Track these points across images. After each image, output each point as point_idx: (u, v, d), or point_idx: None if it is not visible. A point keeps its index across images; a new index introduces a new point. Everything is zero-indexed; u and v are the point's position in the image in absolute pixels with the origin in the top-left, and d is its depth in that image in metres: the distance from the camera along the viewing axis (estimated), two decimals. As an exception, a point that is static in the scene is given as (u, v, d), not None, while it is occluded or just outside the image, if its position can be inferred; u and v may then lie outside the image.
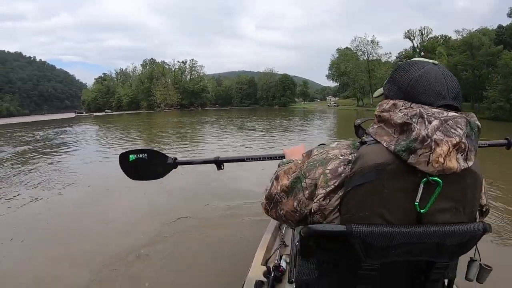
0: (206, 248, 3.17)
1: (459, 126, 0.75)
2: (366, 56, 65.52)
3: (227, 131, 19.26)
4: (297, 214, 0.98)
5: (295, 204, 0.96)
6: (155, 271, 2.85)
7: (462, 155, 0.76)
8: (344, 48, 71.65)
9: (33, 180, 6.89)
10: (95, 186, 6.31)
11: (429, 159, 0.74)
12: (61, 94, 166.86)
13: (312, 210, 0.91)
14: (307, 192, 0.91)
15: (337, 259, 0.96)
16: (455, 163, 0.75)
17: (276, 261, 1.60)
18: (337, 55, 73.32)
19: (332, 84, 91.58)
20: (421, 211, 0.82)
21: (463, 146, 0.75)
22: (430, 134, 0.73)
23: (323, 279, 1.00)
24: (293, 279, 1.37)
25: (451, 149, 0.74)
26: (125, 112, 71.67)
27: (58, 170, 8.02)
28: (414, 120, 0.76)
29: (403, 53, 61.43)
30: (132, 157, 1.66)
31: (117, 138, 17.52)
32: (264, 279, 1.49)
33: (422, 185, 0.78)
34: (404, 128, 0.78)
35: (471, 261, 1.01)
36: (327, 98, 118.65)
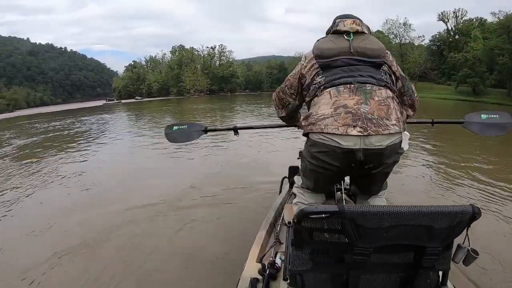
0: (200, 245, 3.11)
1: None
2: (399, 39, 59.96)
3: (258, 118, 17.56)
4: (294, 78, 1.56)
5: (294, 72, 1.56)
6: (145, 268, 2.78)
7: None
8: (375, 31, 66.44)
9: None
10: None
11: None
12: (92, 82, 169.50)
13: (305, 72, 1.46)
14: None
15: (329, 247, 1.02)
16: None
17: (271, 259, 1.56)
18: (369, 39, 67.27)
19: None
20: None
21: None
22: None
23: (317, 268, 1.04)
24: (287, 276, 1.29)
25: None
26: (156, 98, 70.83)
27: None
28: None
29: (437, 36, 56.27)
30: (175, 128, 2.31)
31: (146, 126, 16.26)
32: (259, 277, 1.46)
33: None
34: None
35: (459, 246, 1.03)
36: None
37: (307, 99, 1.49)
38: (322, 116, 1.28)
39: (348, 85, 1.30)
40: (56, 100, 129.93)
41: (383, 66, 1.39)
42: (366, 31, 1.48)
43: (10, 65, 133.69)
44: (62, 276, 2.75)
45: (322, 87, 1.36)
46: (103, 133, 14.16)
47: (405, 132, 1.39)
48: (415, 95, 1.60)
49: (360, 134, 1.20)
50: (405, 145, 1.45)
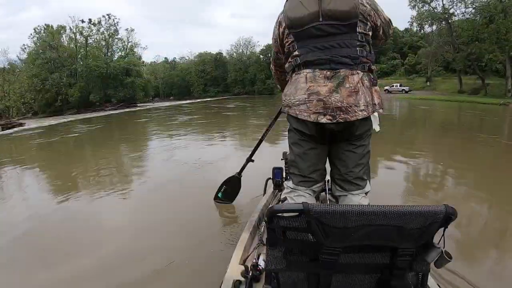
0: (182, 247, 2.85)
1: None
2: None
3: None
4: (277, 44, 1.61)
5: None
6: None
7: None
8: None
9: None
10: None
11: None
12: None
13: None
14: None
15: (302, 246, 1.02)
16: None
17: (254, 260, 1.55)
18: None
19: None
20: None
21: None
22: None
23: (290, 267, 1.05)
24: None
25: None
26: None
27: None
28: None
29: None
30: (220, 195, 2.78)
31: None
32: (242, 279, 1.46)
33: None
34: None
35: (433, 246, 1.01)
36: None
37: (287, 69, 1.57)
38: (297, 102, 1.44)
39: (324, 71, 1.38)
40: None
41: (357, 27, 1.39)
42: None
43: None
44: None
45: (299, 65, 1.45)
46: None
47: (375, 114, 1.51)
48: (391, 31, 1.62)
49: (329, 122, 1.38)
50: (376, 127, 1.60)
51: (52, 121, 24.06)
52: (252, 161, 3.23)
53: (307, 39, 1.41)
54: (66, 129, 17.21)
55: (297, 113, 1.44)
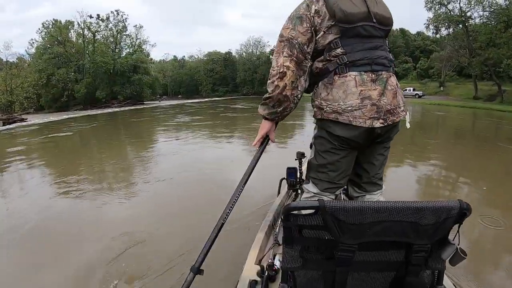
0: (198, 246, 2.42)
1: None
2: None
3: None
4: (310, 33, 1.35)
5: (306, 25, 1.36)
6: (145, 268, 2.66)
7: None
8: None
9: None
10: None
11: None
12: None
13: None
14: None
15: (318, 243, 1.03)
16: None
17: (269, 260, 1.58)
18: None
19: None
20: None
21: None
22: None
23: (306, 265, 1.06)
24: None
25: None
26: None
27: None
28: None
29: None
30: None
31: None
32: (258, 279, 1.48)
33: None
34: None
35: (449, 243, 1.00)
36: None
37: (317, 64, 1.43)
38: (350, 108, 1.32)
39: (370, 74, 1.34)
40: None
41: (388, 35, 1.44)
42: None
43: None
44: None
45: (345, 65, 1.34)
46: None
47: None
48: None
49: (381, 125, 1.34)
50: (407, 124, 1.57)
51: (52, 117, 23.72)
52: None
53: (353, 37, 1.34)
54: (59, 127, 16.64)
55: (351, 119, 1.33)
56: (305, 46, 1.36)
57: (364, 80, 1.33)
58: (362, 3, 1.36)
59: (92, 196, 4.65)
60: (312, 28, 1.35)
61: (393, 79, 1.39)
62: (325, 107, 1.38)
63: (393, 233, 0.93)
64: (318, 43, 1.37)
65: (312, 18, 1.34)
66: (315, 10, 1.34)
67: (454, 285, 1.27)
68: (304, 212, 0.96)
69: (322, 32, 1.35)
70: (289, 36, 1.35)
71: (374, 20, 1.35)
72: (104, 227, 3.53)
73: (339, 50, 1.34)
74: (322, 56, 1.39)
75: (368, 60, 1.33)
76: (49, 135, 13.21)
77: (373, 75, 1.34)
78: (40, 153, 9.07)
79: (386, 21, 1.40)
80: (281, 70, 1.35)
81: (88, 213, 4.03)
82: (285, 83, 1.36)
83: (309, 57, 1.40)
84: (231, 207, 1.51)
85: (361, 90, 1.32)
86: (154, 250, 2.95)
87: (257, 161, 1.60)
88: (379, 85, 1.33)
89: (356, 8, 1.33)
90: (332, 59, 1.36)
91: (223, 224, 1.51)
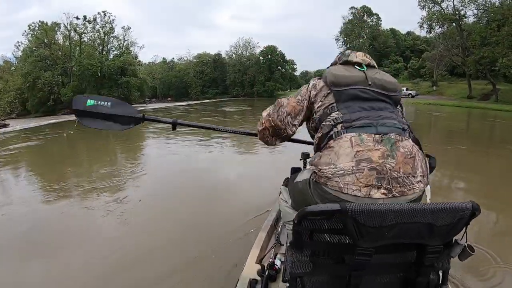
0: (200, 245, 2.97)
1: None
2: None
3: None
4: (300, 106, 1.33)
5: (298, 97, 1.34)
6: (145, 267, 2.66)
7: None
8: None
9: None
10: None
11: None
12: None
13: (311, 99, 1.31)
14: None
15: (330, 248, 1.00)
16: None
17: (270, 260, 1.57)
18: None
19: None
20: None
21: None
22: None
23: (317, 270, 1.01)
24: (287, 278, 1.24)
25: None
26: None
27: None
28: None
29: None
30: (91, 102, 1.60)
31: None
32: (258, 278, 1.46)
33: None
34: None
35: (457, 241, 1.00)
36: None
37: (317, 134, 1.30)
38: (342, 171, 1.09)
39: (372, 135, 1.14)
40: None
41: (399, 104, 1.33)
42: (376, 66, 1.42)
43: None
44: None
45: (339, 126, 1.19)
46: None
47: (428, 186, 1.24)
48: None
49: (384, 196, 1.06)
50: (428, 200, 1.44)
51: (33, 123, 22.65)
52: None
53: (351, 100, 1.23)
54: (37, 135, 15.62)
55: (341, 186, 1.07)
56: (289, 117, 1.37)
57: (363, 140, 1.11)
58: (358, 71, 1.31)
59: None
60: (305, 102, 1.34)
61: (407, 143, 1.13)
62: (317, 172, 1.16)
63: (409, 235, 0.92)
64: (316, 113, 1.30)
65: (308, 92, 1.34)
66: (313, 84, 1.34)
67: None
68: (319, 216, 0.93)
69: (319, 102, 1.29)
70: (282, 102, 1.41)
71: (369, 83, 1.26)
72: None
73: (335, 114, 1.22)
74: (321, 125, 1.28)
75: (370, 119, 1.16)
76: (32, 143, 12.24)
77: (377, 136, 1.12)
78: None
79: (388, 86, 1.28)
80: (262, 121, 1.48)
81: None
82: (263, 133, 1.50)
83: (290, 129, 1.38)
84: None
85: (358, 151, 1.09)
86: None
87: None
88: (383, 145, 1.10)
89: (349, 73, 1.29)
90: (326, 123, 1.23)
91: None
